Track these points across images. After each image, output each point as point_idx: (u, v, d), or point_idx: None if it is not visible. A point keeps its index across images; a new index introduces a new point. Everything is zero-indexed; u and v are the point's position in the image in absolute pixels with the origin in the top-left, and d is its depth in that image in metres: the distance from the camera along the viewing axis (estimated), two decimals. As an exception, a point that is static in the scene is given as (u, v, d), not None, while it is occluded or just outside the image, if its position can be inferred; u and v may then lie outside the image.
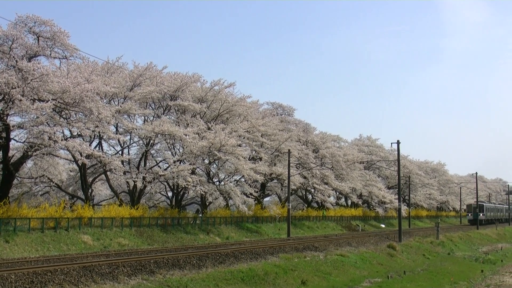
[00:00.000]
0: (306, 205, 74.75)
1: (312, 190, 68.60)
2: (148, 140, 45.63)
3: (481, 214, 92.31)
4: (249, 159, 52.75)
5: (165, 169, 45.83)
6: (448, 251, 51.62)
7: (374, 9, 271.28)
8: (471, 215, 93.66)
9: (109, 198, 56.20)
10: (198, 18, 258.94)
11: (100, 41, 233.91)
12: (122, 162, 42.64)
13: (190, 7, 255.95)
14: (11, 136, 35.19)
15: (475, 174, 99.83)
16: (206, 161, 48.85)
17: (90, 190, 44.84)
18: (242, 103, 53.39)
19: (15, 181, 40.95)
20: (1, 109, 31.99)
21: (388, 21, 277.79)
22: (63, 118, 36.69)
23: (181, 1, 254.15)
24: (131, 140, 47.43)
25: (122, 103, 44.45)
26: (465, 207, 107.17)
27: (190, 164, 44.97)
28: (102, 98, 41.79)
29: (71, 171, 50.36)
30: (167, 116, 47.56)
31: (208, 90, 51.18)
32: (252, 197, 51.15)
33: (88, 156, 37.47)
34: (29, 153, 35.11)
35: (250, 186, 51.76)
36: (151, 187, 45.95)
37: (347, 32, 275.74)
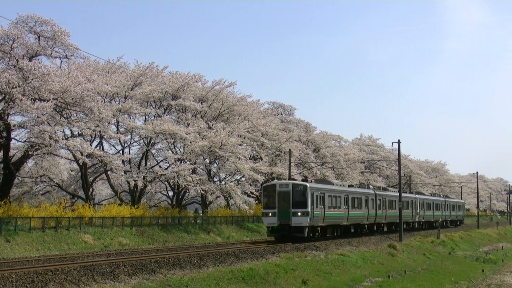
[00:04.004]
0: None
1: (313, 190, 68.42)
2: (148, 140, 45.64)
3: (299, 214, 36.92)
4: (249, 159, 52.76)
5: (166, 169, 45.87)
6: (449, 250, 51.57)
7: (376, 10, 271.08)
8: (271, 215, 37.66)
9: (110, 198, 56.22)
10: (200, 18, 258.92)
11: (103, 40, 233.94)
12: (123, 161, 42.66)
13: (192, 7, 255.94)
14: (12, 136, 35.25)
15: (475, 174, 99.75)
16: (207, 161, 48.88)
17: (90, 190, 44.86)
18: (242, 103, 53.46)
19: (16, 181, 40.98)
20: (2, 109, 32.02)
21: (390, 22, 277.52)
22: (64, 117, 36.75)
23: (183, 1, 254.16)
24: (132, 140, 47.47)
25: (123, 102, 44.48)
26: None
27: (190, 163, 45.00)
28: (103, 98, 41.82)
29: (72, 171, 50.40)
30: (168, 116, 47.59)
31: (209, 90, 51.23)
32: (253, 196, 51.15)
33: (88, 156, 37.50)
34: (30, 152, 35.14)
35: (251, 186, 51.77)
36: (152, 186, 46.00)
37: (348, 33, 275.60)
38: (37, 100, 32.19)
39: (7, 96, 31.22)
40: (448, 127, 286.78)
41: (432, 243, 52.56)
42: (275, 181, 45.32)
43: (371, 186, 53.75)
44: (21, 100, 30.55)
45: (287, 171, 52.17)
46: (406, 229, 58.96)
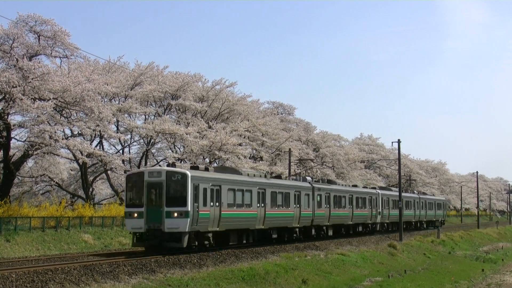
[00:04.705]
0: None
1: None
2: (149, 139, 45.66)
3: (175, 214, 25.89)
4: (249, 158, 52.79)
5: (166, 168, 45.81)
6: (449, 250, 51.62)
7: (376, 10, 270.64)
8: (137, 216, 26.38)
9: (110, 197, 56.20)
10: (200, 18, 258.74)
11: (103, 40, 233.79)
12: (123, 161, 42.67)
13: (192, 7, 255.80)
14: (12, 135, 35.27)
15: (475, 173, 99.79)
16: (207, 160, 48.89)
17: (90, 189, 44.85)
18: (242, 102, 53.52)
19: (16, 180, 40.99)
20: (2, 108, 32.03)
21: (390, 22, 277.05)
22: (64, 117, 36.79)
23: (183, 1, 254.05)
24: (132, 139, 47.48)
25: (123, 101, 44.50)
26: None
27: (190, 163, 44.98)
28: (103, 97, 41.83)
29: (72, 170, 50.38)
30: (168, 115, 47.61)
31: (209, 89, 51.30)
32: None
33: (88, 155, 37.52)
34: (30, 152, 35.13)
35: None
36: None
37: (348, 33, 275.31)
38: (37, 100, 32.19)
39: (7, 96, 31.22)
40: (448, 127, 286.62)
41: (432, 242, 52.58)
42: (143, 168, 35.80)
43: (308, 178, 42.00)
44: (21, 99, 30.55)
45: (287, 170, 52.22)
46: (363, 232, 48.53)
